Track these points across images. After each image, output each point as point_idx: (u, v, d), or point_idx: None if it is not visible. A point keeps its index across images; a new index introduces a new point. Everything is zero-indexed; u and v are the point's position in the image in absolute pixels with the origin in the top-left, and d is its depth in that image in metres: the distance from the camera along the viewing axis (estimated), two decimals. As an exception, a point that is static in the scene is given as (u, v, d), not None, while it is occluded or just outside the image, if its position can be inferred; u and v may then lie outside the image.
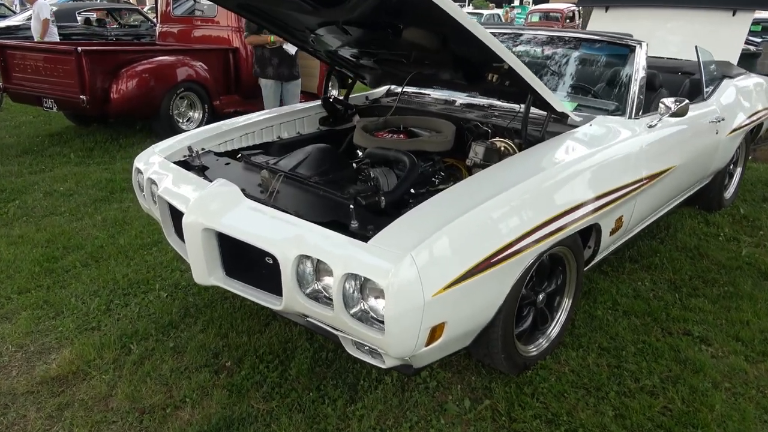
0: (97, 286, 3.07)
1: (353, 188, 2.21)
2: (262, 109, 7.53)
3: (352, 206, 1.94)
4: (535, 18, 19.49)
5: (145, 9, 14.70)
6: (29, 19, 10.39)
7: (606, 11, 5.29)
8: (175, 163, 2.66)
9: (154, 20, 11.48)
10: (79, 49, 5.33)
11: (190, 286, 3.07)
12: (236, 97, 7.12)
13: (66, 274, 3.21)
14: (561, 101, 2.66)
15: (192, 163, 2.68)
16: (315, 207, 2.13)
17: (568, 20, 17.99)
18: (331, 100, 3.30)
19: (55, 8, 10.10)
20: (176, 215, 2.44)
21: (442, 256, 1.75)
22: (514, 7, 28.35)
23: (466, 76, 2.58)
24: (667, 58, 4.58)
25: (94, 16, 10.84)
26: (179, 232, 2.53)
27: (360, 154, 3.07)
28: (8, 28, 10.11)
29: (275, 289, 2.02)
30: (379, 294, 1.73)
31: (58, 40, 8.44)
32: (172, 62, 6.21)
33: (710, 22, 4.74)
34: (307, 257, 1.85)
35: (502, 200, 1.97)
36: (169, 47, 6.82)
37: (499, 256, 1.88)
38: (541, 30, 3.55)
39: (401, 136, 2.77)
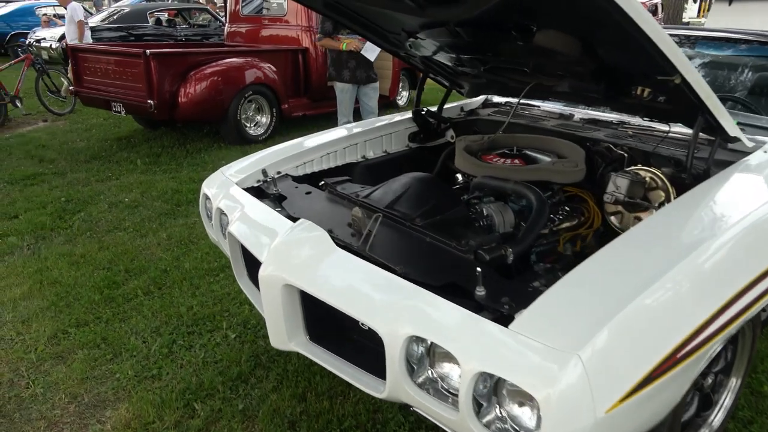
0: (159, 322, 2.74)
1: (472, 237, 1.73)
2: (332, 113, 7.22)
3: (479, 269, 1.47)
4: (613, 12, 18.26)
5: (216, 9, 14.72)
6: (104, 20, 10.52)
7: (729, 4, 4.57)
8: (247, 189, 2.28)
9: (223, 19, 11.41)
10: (148, 51, 5.12)
11: (260, 326, 2.69)
12: (305, 101, 6.80)
13: (127, 305, 2.91)
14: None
15: (267, 190, 2.30)
16: (424, 262, 1.68)
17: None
18: (423, 112, 2.84)
19: (127, 9, 10.17)
20: (249, 255, 2.06)
21: (614, 356, 1.25)
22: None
23: (606, 88, 2.05)
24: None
25: (165, 16, 10.86)
26: (253, 275, 2.15)
27: (459, 178, 2.60)
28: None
29: (374, 366, 1.59)
30: (526, 401, 1.26)
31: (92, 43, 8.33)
32: (241, 64, 5.93)
33: None
34: (423, 339, 1.40)
35: (681, 273, 1.43)
36: (238, 48, 6.56)
37: (684, 351, 1.35)
38: (691, 30, 2.95)
39: (516, 161, 2.27)
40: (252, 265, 2.13)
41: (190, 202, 4.39)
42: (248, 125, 6.12)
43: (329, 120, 7.13)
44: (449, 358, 1.37)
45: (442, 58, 2.53)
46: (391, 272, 1.59)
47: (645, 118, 2.24)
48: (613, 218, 2.16)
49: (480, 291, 1.47)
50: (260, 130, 6.21)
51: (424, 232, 1.78)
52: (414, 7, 1.88)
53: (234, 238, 2.07)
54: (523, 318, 1.31)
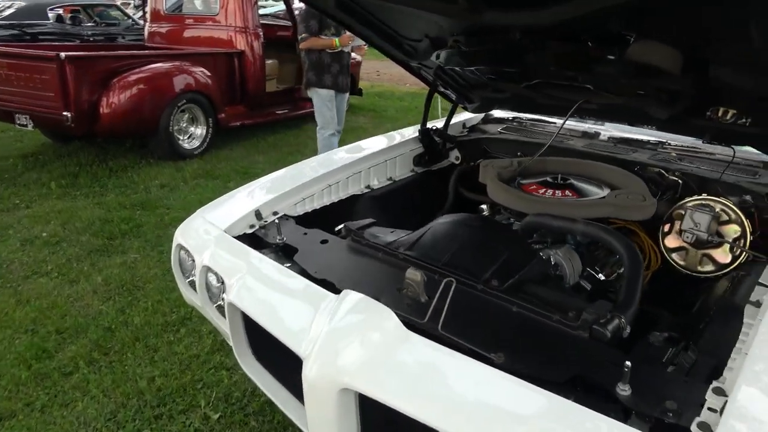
0: (115, 404, 2.15)
1: (573, 303, 1.35)
2: (270, 121, 6.65)
3: (629, 363, 1.09)
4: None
5: (119, 2, 13.40)
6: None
7: None
8: (239, 237, 1.78)
9: (135, 17, 10.37)
10: (62, 54, 4.32)
11: (248, 399, 2.18)
12: (242, 109, 6.18)
13: (66, 382, 2.27)
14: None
15: (266, 239, 1.81)
16: (522, 344, 1.27)
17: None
18: (432, 131, 2.44)
19: (23, 3, 8.97)
20: (253, 328, 1.57)
21: None
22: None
23: (686, 109, 1.75)
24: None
25: (62, 12, 9.62)
26: (261, 353, 1.66)
27: (485, 210, 2.23)
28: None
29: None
30: None
31: None
32: (172, 69, 5.22)
33: None
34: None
35: None
36: (166, 51, 5.83)
37: None
38: None
39: (568, 192, 1.92)
40: (257, 339, 1.64)
41: (125, 234, 3.71)
42: (182, 138, 5.42)
43: (268, 130, 6.56)
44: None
45: (462, 69, 2.15)
46: (483, 361, 1.18)
47: (710, 141, 1.96)
48: (675, 255, 1.87)
49: (624, 390, 1.09)
50: (195, 143, 5.53)
51: (509, 299, 1.38)
52: (465, 8, 1.48)
53: (236, 311, 1.57)
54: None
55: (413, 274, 1.40)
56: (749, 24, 1.20)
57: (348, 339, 1.23)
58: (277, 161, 5.55)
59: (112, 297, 2.93)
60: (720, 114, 1.72)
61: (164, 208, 4.18)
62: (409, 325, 1.28)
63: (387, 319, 1.26)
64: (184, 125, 5.45)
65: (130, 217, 3.97)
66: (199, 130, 5.58)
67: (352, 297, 1.32)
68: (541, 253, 1.70)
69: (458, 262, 1.52)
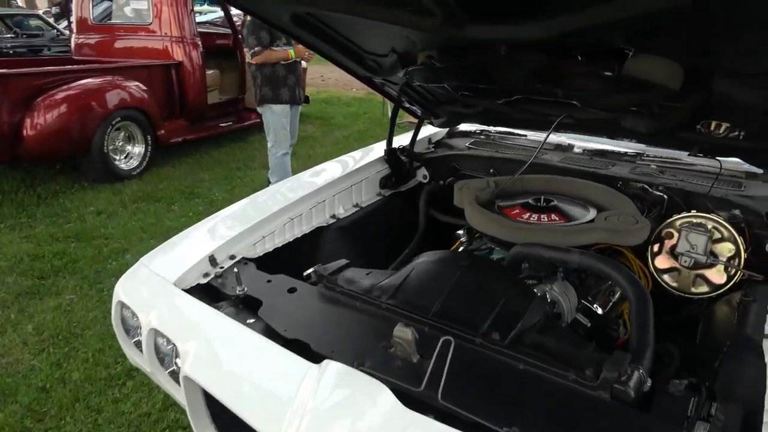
0: (52, 485, 1.85)
1: (598, 360, 1.18)
2: (214, 135, 6.31)
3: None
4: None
5: (41, 11, 12.57)
6: None
7: None
8: (191, 290, 1.54)
9: (60, 27, 9.72)
10: (-25, 73, 3.90)
11: (210, 463, 1.92)
12: (183, 123, 5.82)
13: (-8, 461, 1.96)
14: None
15: (223, 290, 1.57)
16: (533, 410, 1.10)
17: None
18: (399, 149, 2.26)
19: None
20: (214, 399, 1.34)
21: None
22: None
23: (680, 124, 1.63)
24: None
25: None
26: (222, 420, 1.43)
27: (462, 236, 2.06)
28: None
29: None
30: None
31: None
32: (103, 85, 4.83)
33: None
34: None
35: None
36: (97, 65, 5.40)
37: None
38: None
39: (554, 216, 1.77)
40: (217, 408, 1.41)
41: (59, 272, 3.34)
42: (118, 158, 5.02)
43: (212, 145, 6.21)
44: None
45: (429, 84, 1.98)
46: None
47: (697, 154, 1.86)
48: (666, 277, 1.75)
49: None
50: (133, 163, 5.14)
51: (514, 355, 1.20)
52: (443, 22, 1.30)
53: (194, 386, 1.33)
54: None
55: (403, 332, 1.20)
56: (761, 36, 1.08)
57: (335, 424, 1.03)
58: (224, 178, 5.24)
59: (46, 348, 2.59)
60: (712, 128, 1.62)
61: (102, 238, 3.82)
62: (402, 394, 1.10)
63: (379, 394, 1.06)
64: (120, 144, 5.05)
65: (63, 250, 3.60)
66: (137, 149, 5.19)
67: (333, 368, 1.12)
68: (536, 290, 1.55)
69: (450, 311, 1.33)
